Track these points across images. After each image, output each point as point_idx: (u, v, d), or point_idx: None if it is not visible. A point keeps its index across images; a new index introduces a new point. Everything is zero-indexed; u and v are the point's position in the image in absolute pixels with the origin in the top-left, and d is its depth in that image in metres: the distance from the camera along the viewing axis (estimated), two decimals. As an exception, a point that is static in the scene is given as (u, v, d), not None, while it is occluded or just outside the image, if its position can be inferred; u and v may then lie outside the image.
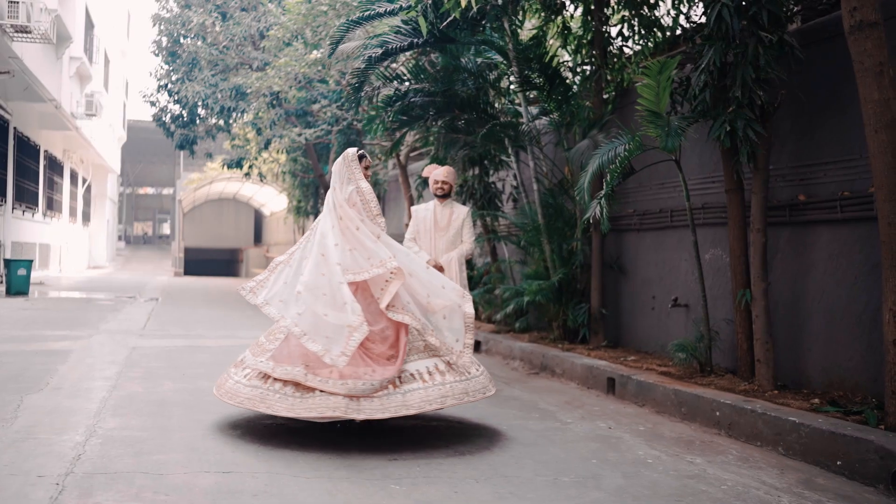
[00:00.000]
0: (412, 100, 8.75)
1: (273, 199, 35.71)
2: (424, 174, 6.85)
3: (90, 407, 5.17)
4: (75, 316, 11.00)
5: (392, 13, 8.25)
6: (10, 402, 5.18)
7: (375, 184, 16.85)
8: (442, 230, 6.72)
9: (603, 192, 6.05)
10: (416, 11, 7.59)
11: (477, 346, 9.34)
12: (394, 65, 9.88)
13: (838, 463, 4.27)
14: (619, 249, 8.17)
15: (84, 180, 27.92)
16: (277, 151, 18.52)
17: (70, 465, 3.82)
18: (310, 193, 23.30)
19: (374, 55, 8.02)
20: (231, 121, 19.15)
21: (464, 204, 10.63)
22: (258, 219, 42.61)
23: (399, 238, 6.38)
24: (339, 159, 5.04)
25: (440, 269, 6.55)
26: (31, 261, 14.66)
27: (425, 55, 9.76)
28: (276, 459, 4.11)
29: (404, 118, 9.17)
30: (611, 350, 7.74)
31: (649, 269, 7.68)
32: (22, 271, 14.28)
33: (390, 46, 8.02)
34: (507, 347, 8.55)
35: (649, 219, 7.62)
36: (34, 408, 5.05)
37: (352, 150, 5.05)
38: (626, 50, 8.12)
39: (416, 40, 8.00)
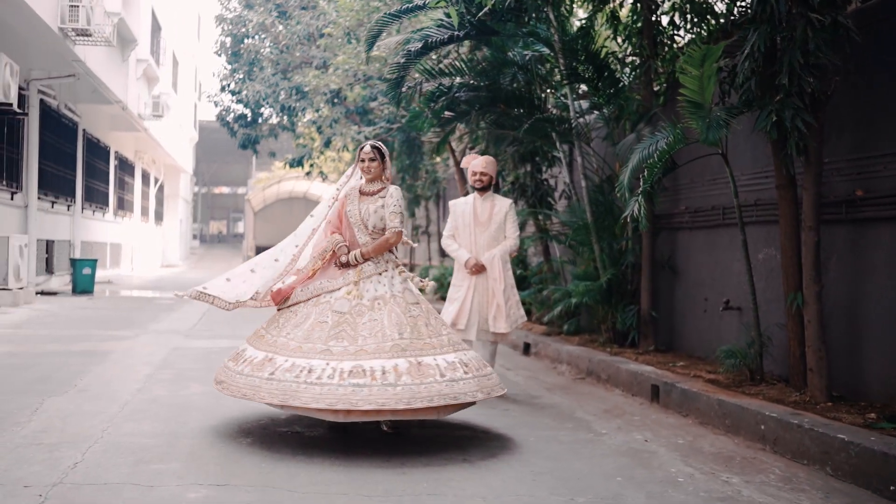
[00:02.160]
0: (456, 95, 8.49)
1: (341, 198, 35.92)
2: (463, 165, 6.52)
3: (108, 410, 5.10)
4: (130, 315, 11.13)
5: (428, 6, 8.00)
6: (29, 404, 5.15)
7: (434, 181, 16.65)
8: (482, 225, 6.34)
9: (641, 188, 5.69)
10: (447, 2, 7.33)
11: (526, 349, 9.06)
12: (446, 60, 9.64)
13: (892, 488, 3.85)
14: (672, 249, 7.75)
15: (156, 180, 28.56)
16: (339, 150, 18.51)
17: (63, 474, 3.71)
18: (373, 192, 23.29)
19: (413, 49, 7.79)
20: (294, 119, 19.20)
21: (515, 202, 10.34)
22: (329, 217, 42.93)
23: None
24: None
25: (481, 267, 6.25)
26: (95, 260, 14.96)
27: (479, 49, 9.49)
28: (277, 472, 3.93)
29: (450, 114, 8.92)
30: (661, 355, 7.35)
31: (701, 269, 7.26)
32: (87, 270, 14.59)
33: (431, 40, 7.77)
34: (555, 351, 8.22)
35: (701, 216, 7.20)
36: (52, 411, 5.00)
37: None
38: (677, 39, 7.71)
39: (456, 33, 7.73)
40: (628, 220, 6.03)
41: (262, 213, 37.38)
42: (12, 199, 13.39)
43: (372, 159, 4.88)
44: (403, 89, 8.29)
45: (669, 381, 5.96)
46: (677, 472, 4.23)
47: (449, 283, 15.05)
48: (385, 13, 8.07)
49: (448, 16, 8.05)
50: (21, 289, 11.87)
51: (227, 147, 42.09)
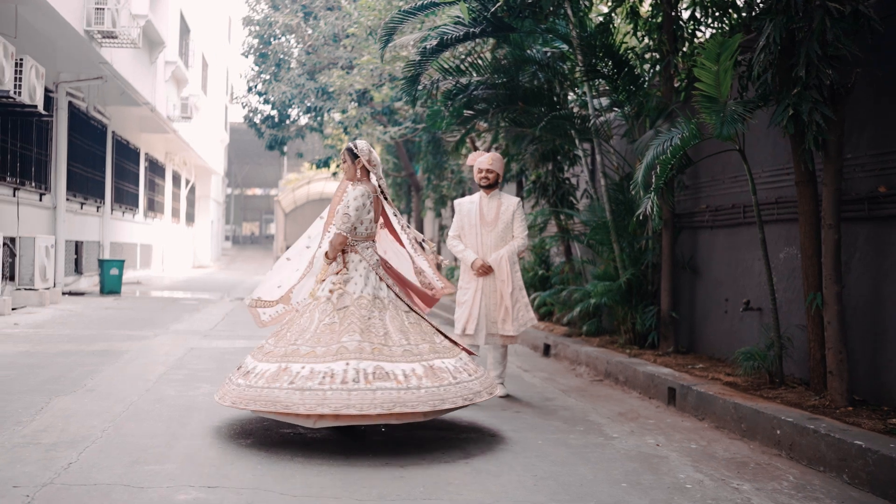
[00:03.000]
0: (474, 93, 8.37)
1: (371, 199, 36.03)
2: (468, 163, 6.27)
3: (113, 410, 5.06)
4: (153, 316, 11.17)
5: (443, 2, 7.89)
6: (35, 403, 5.14)
7: (459, 182, 16.54)
8: (489, 225, 6.11)
9: (653, 185, 5.53)
10: (459, -4, 7.23)
11: (546, 350, 8.92)
12: (469, 58, 9.52)
13: (909, 496, 3.68)
14: (693, 248, 7.57)
15: (187, 182, 28.78)
16: (365, 151, 18.47)
17: (55, 474, 3.66)
18: (402, 193, 23.23)
19: (428, 47, 7.69)
20: (322, 119, 19.18)
21: (537, 202, 10.20)
22: (359, 219, 42.96)
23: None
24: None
25: (488, 268, 6.03)
26: (122, 261, 15.07)
27: (500, 48, 9.38)
28: (272, 473, 3.85)
29: (469, 112, 8.80)
30: (681, 356, 7.18)
31: (722, 269, 7.07)
32: (114, 271, 14.70)
33: (447, 37, 7.66)
34: (574, 352, 8.08)
35: (722, 215, 7.01)
36: (56, 410, 4.98)
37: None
38: (698, 35, 7.52)
39: (471, 30, 7.62)
40: (641, 217, 5.85)
41: (292, 214, 37.53)
42: (41, 200, 13.54)
43: (343, 161, 4.93)
44: (420, 87, 8.18)
45: (686, 384, 5.80)
46: (686, 479, 4.09)
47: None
48: (399, 10, 7.96)
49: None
50: (47, 289, 11.98)
51: (259, 149, 42.41)
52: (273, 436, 4.61)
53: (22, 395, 5.37)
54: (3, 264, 11.43)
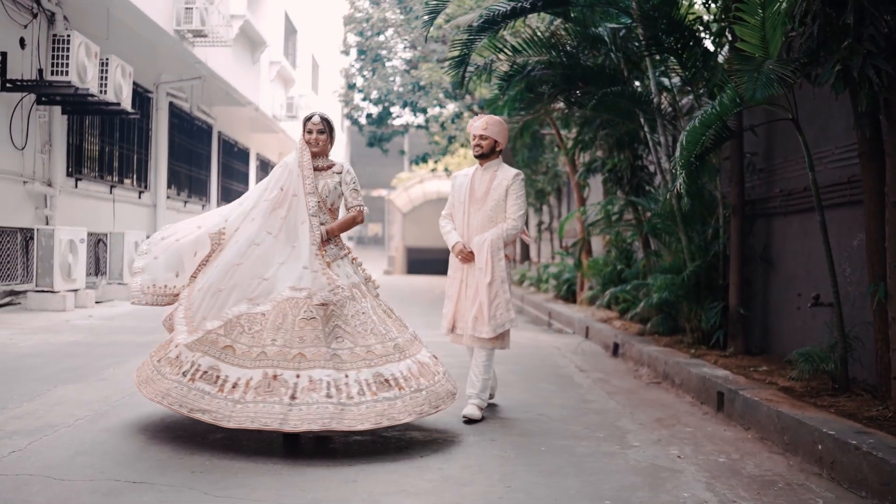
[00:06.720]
0: (531, 73, 7.80)
1: (487, 198, 35.60)
2: (468, 130, 5.30)
3: (108, 400, 4.92)
4: (230, 309, 11.17)
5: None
6: (36, 391, 5.06)
7: (555, 176, 15.90)
8: (478, 202, 5.02)
9: (681, 160, 4.86)
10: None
11: (615, 350, 8.27)
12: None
13: (955, 531, 2.95)
14: (767, 238, 6.76)
15: (303, 182, 29.28)
16: (462, 145, 18.13)
17: (-14, 463, 3.49)
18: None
19: (475, 25, 7.20)
20: (426, 115, 18.96)
21: (612, 190, 9.54)
22: (478, 218, 42.52)
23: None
24: None
25: (470, 254, 4.97)
26: (219, 256, 15.30)
27: (563, 28, 8.76)
28: (212, 473, 3.53)
29: (531, 95, 8.27)
30: (749, 357, 6.40)
31: (795, 259, 6.26)
32: (210, 266, 14.93)
33: (496, 14, 7.14)
34: (639, 352, 7.41)
35: (795, 199, 6.20)
36: (51, 398, 4.88)
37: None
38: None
39: (521, 4, 7.07)
40: (668, 196, 5.19)
41: (410, 214, 37.54)
42: (139, 197, 13.95)
43: (321, 131, 4.48)
44: (472, 69, 7.71)
45: (735, 388, 5.10)
46: (689, 498, 3.47)
47: (566, 281, 14.11)
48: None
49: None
50: (137, 283, 12.24)
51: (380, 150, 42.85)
52: (254, 432, 4.28)
53: (30, 382, 5.31)
54: (96, 259, 11.80)
